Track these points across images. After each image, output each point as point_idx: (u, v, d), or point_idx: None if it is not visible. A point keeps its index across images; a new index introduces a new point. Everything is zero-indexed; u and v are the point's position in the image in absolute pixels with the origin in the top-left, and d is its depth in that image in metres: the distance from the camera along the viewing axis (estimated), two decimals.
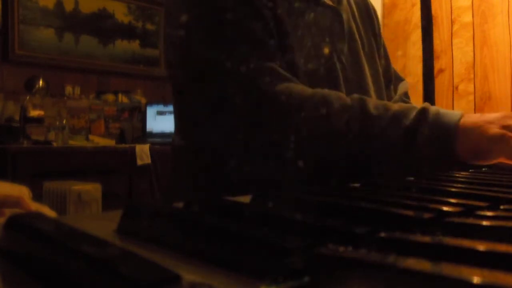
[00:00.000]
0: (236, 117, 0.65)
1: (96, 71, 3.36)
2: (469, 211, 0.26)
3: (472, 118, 0.57)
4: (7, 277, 0.19)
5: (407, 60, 2.57)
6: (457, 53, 2.41)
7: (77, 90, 3.23)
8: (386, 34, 2.66)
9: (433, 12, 1.82)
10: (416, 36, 2.45)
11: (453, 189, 0.35)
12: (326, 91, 0.65)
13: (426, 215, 0.23)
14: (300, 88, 0.65)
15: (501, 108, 2.22)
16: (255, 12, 0.68)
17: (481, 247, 0.17)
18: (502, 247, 0.17)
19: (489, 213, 0.25)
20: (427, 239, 0.19)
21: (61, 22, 3.17)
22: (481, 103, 2.32)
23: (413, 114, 0.60)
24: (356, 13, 0.89)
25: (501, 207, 0.27)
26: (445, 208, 0.25)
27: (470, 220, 0.23)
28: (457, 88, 2.41)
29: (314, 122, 0.62)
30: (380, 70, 0.91)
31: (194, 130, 0.74)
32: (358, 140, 0.60)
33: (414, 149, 0.58)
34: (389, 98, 1.00)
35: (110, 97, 3.38)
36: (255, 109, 0.64)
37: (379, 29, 0.98)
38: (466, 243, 0.18)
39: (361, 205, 0.27)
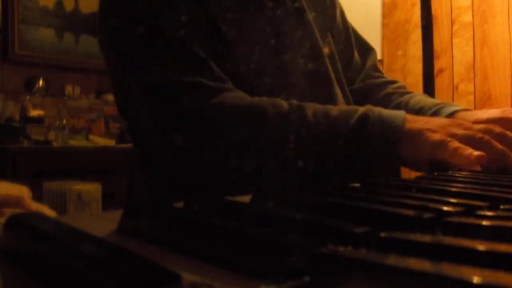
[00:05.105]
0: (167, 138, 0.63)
1: (96, 71, 3.35)
2: (469, 211, 0.26)
3: (416, 124, 0.58)
4: (7, 277, 0.19)
5: (407, 60, 2.57)
6: (457, 53, 2.41)
7: (77, 90, 3.23)
8: (386, 34, 2.66)
9: (433, 12, 1.82)
10: (416, 36, 2.45)
11: (453, 189, 0.35)
12: (263, 100, 0.63)
13: (426, 215, 0.23)
14: (233, 99, 0.62)
15: (501, 108, 2.22)
16: (181, 18, 0.64)
17: (481, 247, 0.17)
18: (502, 247, 0.17)
19: (489, 213, 0.25)
20: (427, 239, 0.19)
21: (61, 22, 3.17)
22: (481, 103, 2.32)
23: (354, 118, 0.59)
24: None
25: (501, 207, 0.27)
26: (445, 208, 0.25)
27: (470, 220, 0.23)
28: (457, 88, 2.41)
29: (250, 135, 0.61)
30: (334, 46, 0.86)
31: (143, 139, 0.73)
32: (298, 148, 0.59)
33: (359, 149, 0.58)
34: (355, 71, 0.96)
35: (110, 97, 3.38)
36: (189, 130, 0.62)
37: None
38: (466, 243, 0.18)
39: (361, 205, 0.27)
